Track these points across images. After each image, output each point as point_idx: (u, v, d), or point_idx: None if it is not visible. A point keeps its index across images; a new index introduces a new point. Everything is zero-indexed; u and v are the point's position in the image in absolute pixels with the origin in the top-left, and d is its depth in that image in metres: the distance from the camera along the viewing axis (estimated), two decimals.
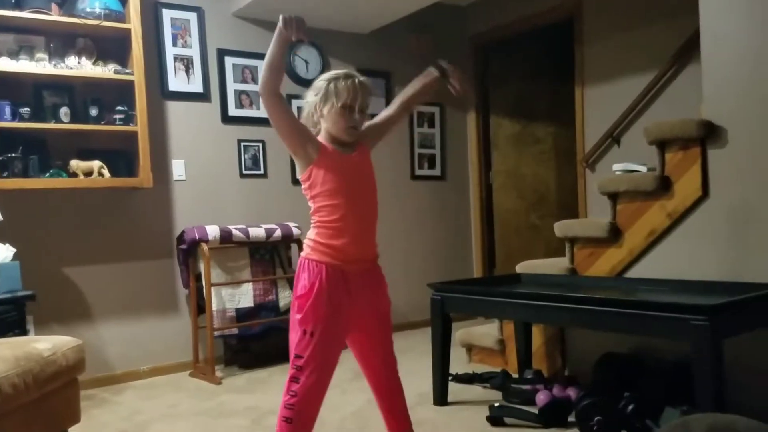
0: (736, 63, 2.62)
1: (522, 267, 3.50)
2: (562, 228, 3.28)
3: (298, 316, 1.95)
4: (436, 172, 5.18)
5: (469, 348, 3.88)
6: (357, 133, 2.04)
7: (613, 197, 3.06)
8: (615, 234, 3.03)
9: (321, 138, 2.04)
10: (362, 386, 3.40)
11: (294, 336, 1.97)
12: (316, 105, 2.02)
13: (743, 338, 2.36)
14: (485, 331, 3.75)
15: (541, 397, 2.74)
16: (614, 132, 4.14)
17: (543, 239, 5.11)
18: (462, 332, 3.85)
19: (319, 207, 2.00)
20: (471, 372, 3.44)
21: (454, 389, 3.19)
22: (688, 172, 2.76)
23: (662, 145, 2.85)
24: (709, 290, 2.57)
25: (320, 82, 2.02)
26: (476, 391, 3.25)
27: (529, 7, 4.69)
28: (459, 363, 3.69)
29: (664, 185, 2.83)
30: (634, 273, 2.99)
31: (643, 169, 3.03)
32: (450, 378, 3.20)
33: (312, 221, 2.04)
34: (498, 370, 3.43)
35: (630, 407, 2.48)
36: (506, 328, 3.60)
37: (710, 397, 2.04)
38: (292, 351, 1.97)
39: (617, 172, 3.14)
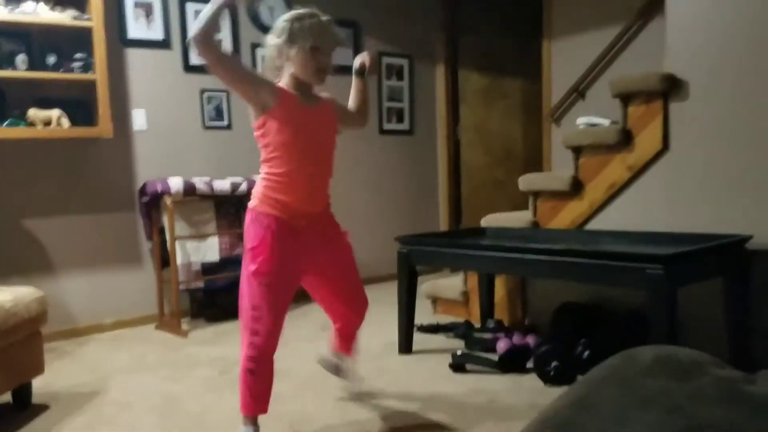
0: (700, 16, 2.64)
1: (486, 220, 3.54)
2: (525, 182, 3.32)
3: (252, 267, 1.93)
4: (405, 126, 5.16)
5: (434, 300, 3.95)
6: (324, 78, 1.99)
7: (577, 151, 3.10)
8: (577, 187, 3.08)
9: (283, 83, 1.97)
10: (325, 337, 3.45)
11: (248, 288, 1.95)
12: (280, 48, 1.94)
13: (693, 288, 2.44)
14: (450, 284, 3.81)
15: (501, 345, 2.82)
16: (580, 86, 4.16)
17: (509, 194, 5.17)
18: (427, 284, 3.91)
19: (269, 157, 1.95)
20: (436, 323, 3.51)
21: (419, 339, 3.26)
22: (649, 126, 2.80)
23: (626, 98, 2.88)
24: (665, 241, 2.64)
25: (283, 23, 1.94)
26: (440, 340, 3.32)
27: None
28: (424, 314, 3.76)
29: (626, 139, 2.87)
30: (594, 225, 3.06)
31: (606, 122, 3.07)
32: (415, 328, 3.26)
33: (261, 171, 2.00)
34: (461, 320, 3.51)
35: (585, 353, 2.57)
36: (470, 280, 3.66)
37: (664, 342, 2.12)
38: (247, 302, 1.95)
39: (581, 126, 3.18)
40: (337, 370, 2.48)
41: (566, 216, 3.15)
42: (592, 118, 3.13)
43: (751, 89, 2.51)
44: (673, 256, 2.14)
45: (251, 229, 1.96)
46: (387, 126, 5.05)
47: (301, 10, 1.96)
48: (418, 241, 3.07)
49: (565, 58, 4.29)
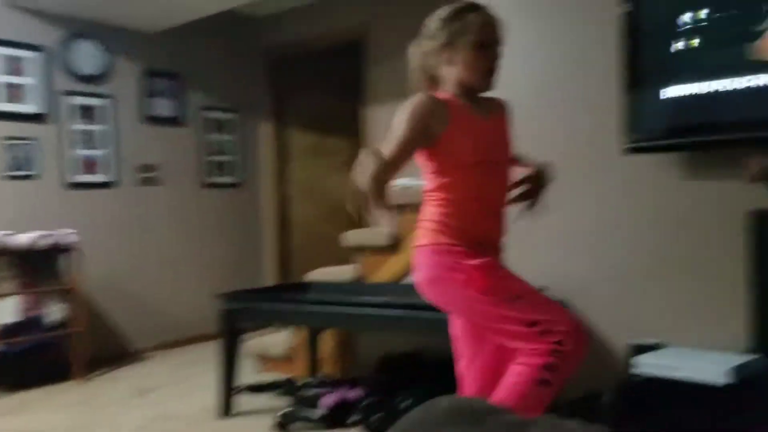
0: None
1: (313, 275, 3.59)
2: (351, 237, 3.43)
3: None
4: (230, 180, 5.10)
5: (260, 358, 3.87)
6: (494, 82, 1.71)
7: (398, 209, 3.28)
8: (397, 243, 3.25)
9: (445, 95, 1.70)
10: (141, 403, 3.23)
11: (501, 310, 1.65)
12: (438, 51, 1.70)
13: None
14: (276, 340, 3.77)
15: (327, 400, 2.83)
16: None
17: (336, 248, 5.26)
18: (252, 342, 3.83)
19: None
20: (260, 382, 3.44)
21: (243, 400, 3.16)
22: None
23: None
24: None
25: (437, 23, 1.70)
26: (265, 400, 3.25)
27: (323, 25, 4.83)
28: (249, 373, 3.66)
29: None
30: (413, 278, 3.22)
31: (420, 182, 3.29)
32: (239, 389, 3.16)
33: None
34: (288, 377, 3.47)
35: (406, 402, 2.67)
36: (296, 337, 3.65)
37: None
38: (519, 320, 1.63)
39: (400, 187, 3.38)
40: None
41: (388, 270, 3.30)
42: (410, 180, 3.35)
43: None
44: None
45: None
46: (211, 179, 4.96)
47: (457, 4, 1.69)
48: (240, 298, 3.02)
49: (383, 122, 4.54)
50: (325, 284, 3.41)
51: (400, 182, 3.41)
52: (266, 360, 3.85)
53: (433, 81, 1.75)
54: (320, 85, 5.34)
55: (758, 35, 2.04)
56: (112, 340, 4.31)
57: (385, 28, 4.51)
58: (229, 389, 3.02)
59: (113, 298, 4.30)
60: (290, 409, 2.91)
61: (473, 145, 1.69)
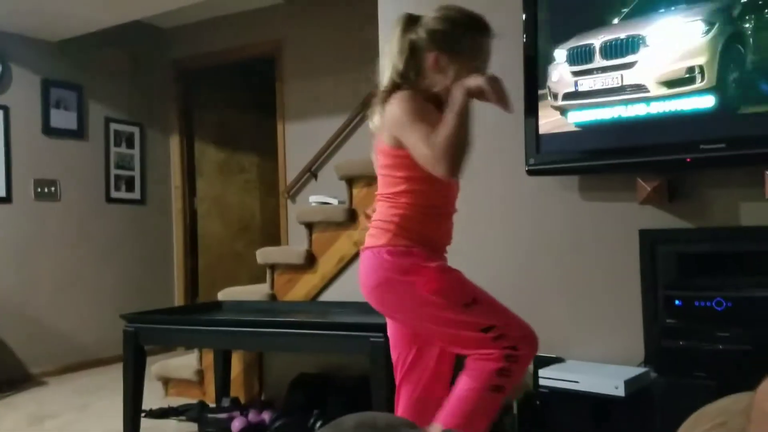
0: None
1: (224, 294, 3.50)
2: (263, 255, 3.39)
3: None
4: (136, 195, 4.91)
5: (166, 381, 3.72)
6: None
7: (309, 227, 3.27)
8: (310, 261, 3.24)
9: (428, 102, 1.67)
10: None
11: (456, 314, 1.63)
12: (432, 48, 1.66)
13: None
14: (183, 363, 3.64)
15: (236, 425, 2.77)
16: (312, 167, 4.42)
17: (247, 266, 5.18)
18: (158, 365, 3.68)
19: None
20: (167, 406, 3.31)
21: (148, 426, 3.03)
22: (371, 206, 3.09)
23: (350, 181, 3.15)
24: None
25: (458, 28, 1.67)
26: (172, 426, 3.13)
27: (232, 40, 4.77)
28: (154, 398, 3.51)
29: (351, 217, 3.12)
30: (326, 296, 3.22)
31: (335, 201, 3.31)
32: (143, 414, 3.02)
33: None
34: (195, 401, 3.36)
35: (318, 424, 2.65)
36: (205, 358, 3.55)
37: (384, 404, 2.29)
38: (474, 325, 1.62)
39: (313, 204, 3.38)
40: None
41: (301, 288, 3.28)
42: (322, 197, 3.35)
43: None
44: None
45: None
46: (115, 194, 4.75)
47: (482, 19, 1.69)
48: (147, 319, 2.90)
49: (298, 139, 4.55)
50: (238, 303, 3.34)
51: (313, 198, 3.42)
52: (172, 383, 3.71)
53: (402, 75, 1.68)
54: (231, 100, 5.26)
55: (631, 65, 2.22)
56: (9, 364, 4.02)
57: (298, 44, 4.53)
58: (135, 414, 2.88)
59: (7, 320, 4.02)
60: None
61: None
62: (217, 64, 4.97)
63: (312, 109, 4.48)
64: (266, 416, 2.87)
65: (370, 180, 3.08)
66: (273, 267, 3.38)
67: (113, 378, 4.05)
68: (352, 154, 4.19)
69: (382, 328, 2.31)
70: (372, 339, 2.30)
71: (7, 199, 4.09)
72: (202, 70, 5.11)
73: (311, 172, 4.43)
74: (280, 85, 4.62)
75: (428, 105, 1.64)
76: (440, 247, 1.77)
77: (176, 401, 3.50)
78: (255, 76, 5.10)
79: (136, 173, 4.91)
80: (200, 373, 3.55)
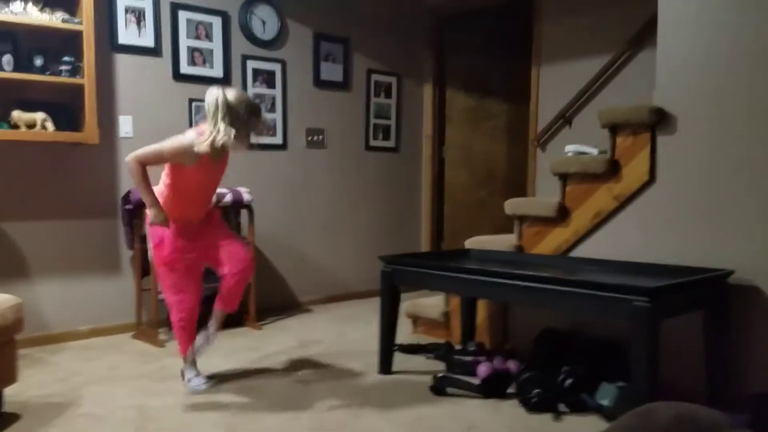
0: (690, 52, 2.69)
1: (471, 243, 3.55)
2: (511, 206, 3.34)
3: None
4: (391, 143, 5.17)
5: (415, 319, 3.93)
6: None
7: (563, 178, 3.12)
8: (563, 214, 3.10)
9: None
10: (307, 353, 3.43)
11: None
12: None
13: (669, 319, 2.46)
14: (431, 303, 3.81)
15: (482, 369, 2.81)
16: (567, 113, 4.21)
17: (490, 215, 5.19)
18: (409, 304, 3.90)
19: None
20: (416, 343, 3.50)
21: (399, 359, 3.24)
22: (636, 157, 2.83)
23: (614, 129, 2.91)
24: (648, 272, 2.66)
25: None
26: (420, 361, 3.31)
27: None
28: (404, 334, 3.74)
29: (613, 169, 2.90)
30: (578, 252, 3.08)
31: (595, 151, 3.10)
32: (395, 348, 3.24)
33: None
34: (442, 341, 3.50)
35: (568, 381, 2.58)
36: (452, 302, 3.66)
37: (646, 375, 2.13)
38: None
39: (569, 154, 3.20)
40: (201, 342, 2.94)
41: (551, 242, 3.17)
42: (581, 147, 3.17)
43: (738, 125, 2.56)
44: (659, 289, 2.16)
45: None
46: (373, 143, 5.05)
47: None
48: (402, 262, 3.06)
49: (553, 84, 4.34)
50: (485, 252, 3.36)
51: (570, 148, 3.24)
52: (420, 321, 3.91)
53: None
54: (483, 45, 5.20)
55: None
56: (282, 292, 4.61)
57: None
58: (390, 348, 3.10)
59: (279, 252, 4.57)
60: (447, 373, 2.93)
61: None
62: (470, 8, 4.93)
63: (570, 51, 4.22)
64: (512, 365, 2.87)
65: (638, 128, 2.82)
66: (521, 218, 3.31)
67: (366, 309, 4.41)
68: (614, 98, 3.89)
69: (646, 291, 2.13)
70: (635, 303, 2.14)
71: (283, 146, 4.58)
72: (455, 15, 5.11)
73: (565, 118, 4.22)
74: (536, 24, 4.41)
75: None
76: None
77: (424, 339, 3.68)
78: (508, 18, 4.95)
79: (392, 122, 5.15)
80: (446, 315, 3.68)
